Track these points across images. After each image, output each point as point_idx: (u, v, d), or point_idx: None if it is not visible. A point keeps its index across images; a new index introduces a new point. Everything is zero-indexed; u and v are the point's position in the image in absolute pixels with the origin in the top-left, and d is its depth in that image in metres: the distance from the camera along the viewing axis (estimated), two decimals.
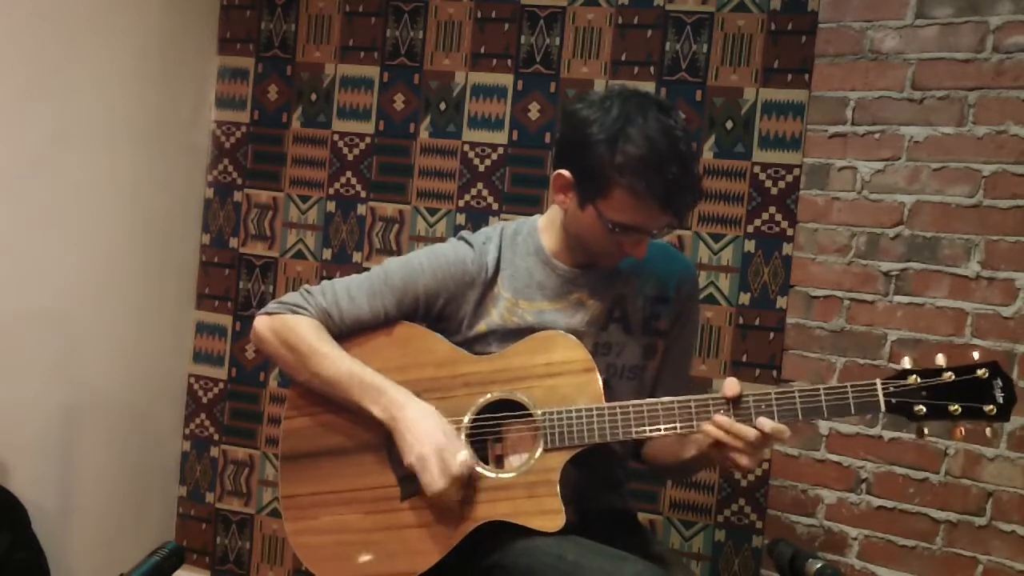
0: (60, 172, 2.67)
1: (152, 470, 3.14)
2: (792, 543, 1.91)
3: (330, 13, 3.05)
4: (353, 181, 3.03)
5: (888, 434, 2.44)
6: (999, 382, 1.71)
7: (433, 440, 1.85)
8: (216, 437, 3.18)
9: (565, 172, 1.87)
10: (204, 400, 3.20)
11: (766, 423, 1.75)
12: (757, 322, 2.68)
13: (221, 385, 3.18)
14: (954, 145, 2.39)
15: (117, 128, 2.84)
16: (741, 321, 2.69)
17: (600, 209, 1.83)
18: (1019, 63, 2.32)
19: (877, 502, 2.46)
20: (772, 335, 2.65)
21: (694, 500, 2.74)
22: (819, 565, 1.77)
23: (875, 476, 2.46)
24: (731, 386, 1.79)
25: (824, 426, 2.51)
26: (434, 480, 1.83)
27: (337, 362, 1.95)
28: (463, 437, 1.90)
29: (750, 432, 1.74)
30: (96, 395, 2.86)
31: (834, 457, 2.51)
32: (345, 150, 3.04)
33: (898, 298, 2.45)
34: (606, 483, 2.05)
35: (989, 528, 2.34)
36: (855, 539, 2.48)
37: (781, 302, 2.64)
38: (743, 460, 1.77)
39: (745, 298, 2.69)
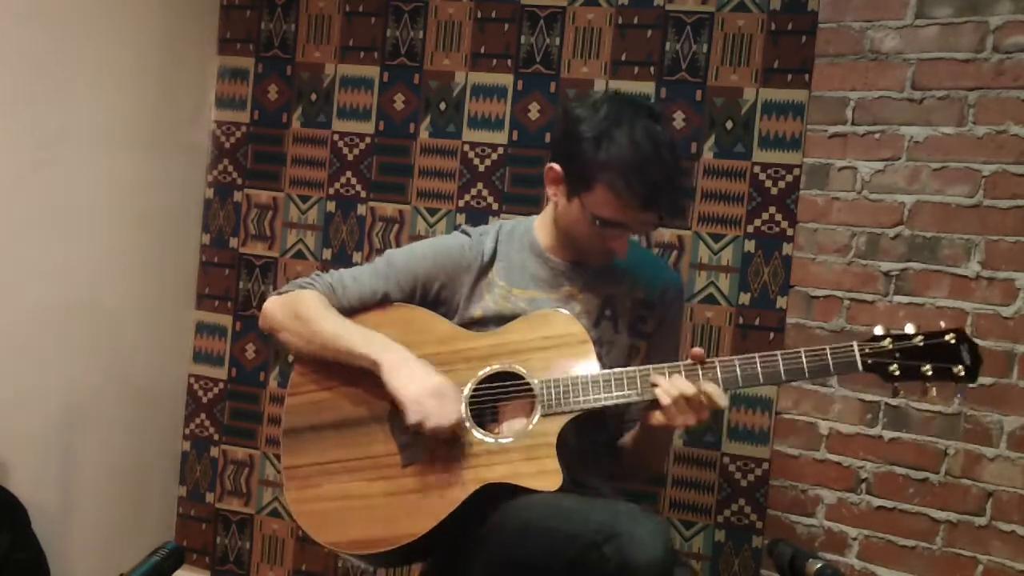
0: (60, 172, 2.67)
1: (152, 470, 3.13)
2: (792, 543, 1.91)
3: (330, 13, 3.05)
4: (353, 181, 3.03)
5: (888, 434, 2.44)
6: (966, 346, 1.82)
7: (432, 384, 1.93)
8: (216, 437, 3.18)
9: (556, 166, 2.00)
10: (204, 400, 3.20)
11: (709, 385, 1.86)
12: (757, 322, 2.67)
13: (221, 385, 3.18)
14: (954, 145, 2.39)
15: (117, 128, 2.84)
16: (741, 321, 2.69)
17: (584, 203, 1.95)
18: (1019, 63, 2.32)
19: (877, 502, 2.46)
20: (772, 335, 2.65)
21: (694, 500, 2.74)
22: (819, 565, 1.77)
23: (875, 476, 2.46)
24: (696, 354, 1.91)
25: (824, 426, 2.51)
26: (431, 415, 1.90)
27: (340, 321, 2.06)
28: (464, 406, 1.97)
29: (689, 387, 1.85)
30: (96, 395, 2.86)
31: (834, 457, 2.51)
32: (345, 150, 3.04)
33: (898, 298, 2.45)
34: (600, 473, 2.10)
35: (989, 528, 2.34)
36: (855, 539, 2.48)
37: (781, 302, 2.64)
38: (681, 419, 1.88)
39: (745, 298, 2.69)
